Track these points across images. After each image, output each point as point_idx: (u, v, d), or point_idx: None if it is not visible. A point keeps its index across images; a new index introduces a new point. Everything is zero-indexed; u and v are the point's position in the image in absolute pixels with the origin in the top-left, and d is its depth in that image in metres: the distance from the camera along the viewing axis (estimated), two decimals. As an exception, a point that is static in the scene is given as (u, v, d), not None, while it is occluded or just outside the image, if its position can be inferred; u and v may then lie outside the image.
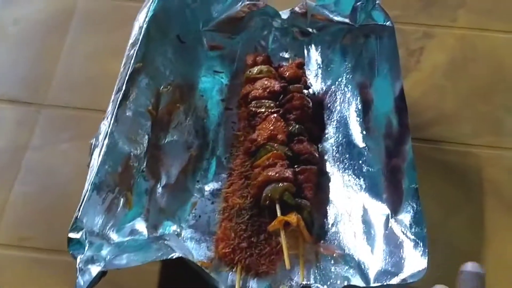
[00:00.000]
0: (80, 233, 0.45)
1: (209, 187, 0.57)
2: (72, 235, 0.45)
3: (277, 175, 0.52)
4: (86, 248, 0.45)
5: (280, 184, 0.52)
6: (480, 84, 0.65)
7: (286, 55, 0.66)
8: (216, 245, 0.52)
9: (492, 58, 0.67)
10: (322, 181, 0.56)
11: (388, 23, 0.56)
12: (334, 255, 0.51)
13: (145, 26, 0.57)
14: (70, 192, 0.56)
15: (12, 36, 0.71)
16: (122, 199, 0.50)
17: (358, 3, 0.59)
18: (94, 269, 0.43)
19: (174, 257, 0.44)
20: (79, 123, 0.63)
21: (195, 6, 0.63)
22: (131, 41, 0.57)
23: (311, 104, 0.59)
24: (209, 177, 0.58)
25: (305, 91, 0.61)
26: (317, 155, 0.56)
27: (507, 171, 0.59)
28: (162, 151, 0.56)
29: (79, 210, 0.46)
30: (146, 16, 0.57)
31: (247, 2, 0.64)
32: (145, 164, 0.53)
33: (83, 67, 0.67)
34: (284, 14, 0.64)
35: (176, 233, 0.53)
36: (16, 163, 0.60)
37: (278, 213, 0.50)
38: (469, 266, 0.42)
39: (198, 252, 0.52)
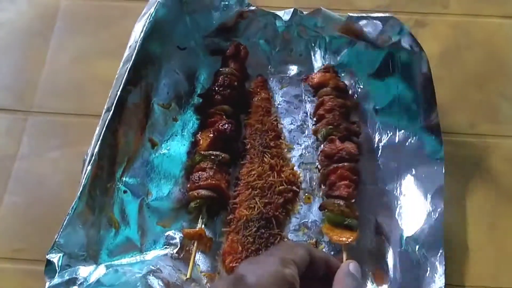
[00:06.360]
0: (58, 255, 0.45)
1: None
2: (50, 257, 0.45)
3: None
4: (57, 273, 0.45)
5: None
6: (474, 72, 0.64)
7: (291, 54, 0.64)
8: (223, 259, 0.51)
9: (486, 44, 0.66)
10: None
11: (416, 49, 0.54)
12: None
13: (140, 42, 0.55)
14: (61, 201, 0.54)
15: (-6, 42, 0.68)
16: (104, 220, 0.50)
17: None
18: None
19: None
20: (67, 129, 0.61)
21: (195, 15, 0.62)
22: (125, 55, 0.55)
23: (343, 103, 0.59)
24: None
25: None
26: (353, 151, 0.55)
27: (505, 160, 0.58)
28: (150, 166, 0.55)
29: (58, 233, 0.46)
30: (142, 31, 0.55)
31: (242, 9, 0.62)
32: (127, 183, 0.53)
33: (69, 71, 0.65)
34: (286, 15, 0.61)
35: (178, 244, 0.52)
36: (5, 173, 0.59)
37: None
38: (351, 267, 0.40)
39: (203, 262, 0.52)
